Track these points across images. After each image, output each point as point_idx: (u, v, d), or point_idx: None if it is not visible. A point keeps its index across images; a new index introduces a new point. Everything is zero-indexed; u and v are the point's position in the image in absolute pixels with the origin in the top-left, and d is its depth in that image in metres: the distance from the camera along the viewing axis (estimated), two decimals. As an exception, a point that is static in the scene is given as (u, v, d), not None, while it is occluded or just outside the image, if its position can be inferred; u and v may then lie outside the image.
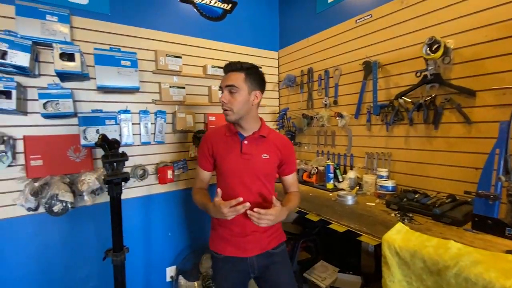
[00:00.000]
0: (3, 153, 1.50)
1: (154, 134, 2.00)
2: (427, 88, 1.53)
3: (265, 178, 1.20)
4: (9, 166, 1.53)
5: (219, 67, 2.22)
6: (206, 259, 2.13)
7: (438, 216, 1.27)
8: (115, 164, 0.97)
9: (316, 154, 2.36)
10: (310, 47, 2.37)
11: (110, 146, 0.96)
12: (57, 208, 1.55)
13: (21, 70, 1.48)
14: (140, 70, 1.86)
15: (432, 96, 1.50)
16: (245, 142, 1.17)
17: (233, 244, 1.21)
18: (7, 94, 1.42)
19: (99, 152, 1.81)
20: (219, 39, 2.33)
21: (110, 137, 1.70)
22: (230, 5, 2.38)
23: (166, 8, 2.07)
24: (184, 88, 2.07)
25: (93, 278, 1.85)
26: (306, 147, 2.45)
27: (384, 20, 1.79)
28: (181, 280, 2.03)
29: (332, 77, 2.17)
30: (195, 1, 2.20)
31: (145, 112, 1.94)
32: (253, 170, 1.17)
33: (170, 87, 2.00)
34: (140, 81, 1.85)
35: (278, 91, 2.74)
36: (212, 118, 2.24)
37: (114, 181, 0.89)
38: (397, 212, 1.44)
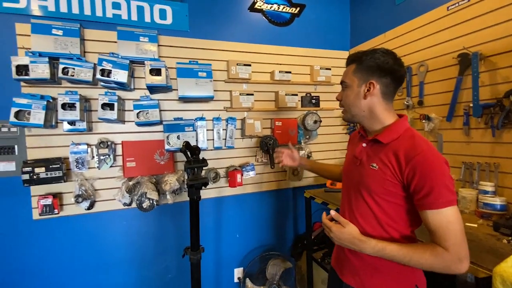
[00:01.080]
0: (107, 156, 1.79)
1: (225, 139, 2.10)
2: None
3: (369, 197, 0.90)
4: (111, 166, 1.82)
5: (286, 72, 2.21)
6: (273, 265, 2.11)
7: None
8: (196, 169, 1.05)
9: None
10: (387, 43, 2.14)
11: (192, 152, 1.04)
12: (145, 204, 1.76)
13: (120, 86, 1.75)
14: (214, 80, 1.99)
15: None
16: (363, 144, 0.96)
17: (336, 256, 1.06)
18: (111, 106, 1.70)
19: (179, 156, 2.00)
20: (287, 44, 2.31)
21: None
22: (298, 9, 2.35)
23: (236, 19, 2.17)
24: (252, 94, 2.12)
25: (171, 270, 2.05)
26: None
27: (486, 3, 1.47)
28: (248, 283, 2.06)
29: (415, 74, 1.91)
30: (264, 9, 2.24)
31: (217, 119, 2.07)
32: (358, 179, 0.95)
33: (240, 94, 2.08)
34: (214, 90, 1.97)
35: (349, 93, 2.56)
36: (279, 124, 2.23)
37: (195, 185, 0.96)
38: (510, 238, 1.16)
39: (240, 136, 2.18)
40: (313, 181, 2.44)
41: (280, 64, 2.28)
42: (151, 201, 1.76)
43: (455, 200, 0.77)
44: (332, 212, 0.94)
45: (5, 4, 1.61)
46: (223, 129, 2.10)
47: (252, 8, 2.21)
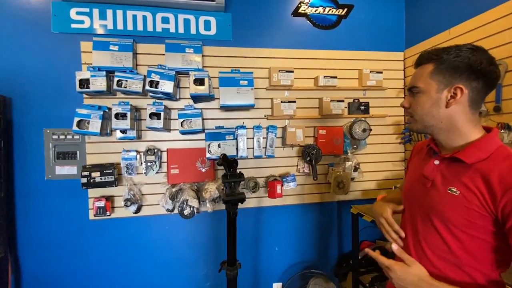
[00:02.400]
0: (154, 162, 1.88)
1: (265, 148, 2.04)
2: None
3: (444, 228, 0.73)
4: (157, 173, 1.90)
5: (331, 77, 2.07)
6: (314, 284, 1.97)
7: None
8: (233, 183, 1.01)
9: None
10: (453, 41, 1.86)
11: (229, 165, 1.01)
12: (186, 211, 1.79)
13: (167, 96, 1.83)
14: (255, 88, 1.96)
15: None
16: (436, 162, 0.79)
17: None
18: (158, 116, 1.78)
19: (219, 164, 2.01)
20: (332, 48, 2.18)
21: (228, 151, 1.86)
22: (345, 10, 2.20)
23: (279, 25, 2.12)
24: (294, 102, 2.03)
25: (210, 278, 2.05)
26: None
27: None
28: (287, 300, 1.95)
29: (490, 75, 1.61)
30: (308, 13, 2.15)
31: (258, 127, 2.02)
32: (429, 204, 0.77)
33: (281, 102, 2.01)
34: (255, 98, 1.94)
35: (404, 98, 2.29)
36: (323, 132, 2.09)
37: (231, 201, 0.91)
38: None
39: (280, 145, 2.10)
40: (361, 195, 2.23)
41: (325, 69, 2.15)
42: (191, 209, 1.79)
43: None
44: (395, 247, 0.78)
45: (73, 25, 1.82)
46: (263, 138, 2.05)
47: (296, 13, 2.14)
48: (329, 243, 2.26)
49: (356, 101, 2.16)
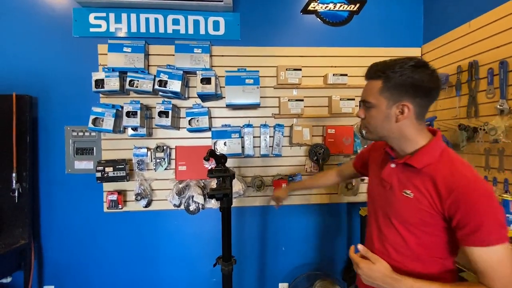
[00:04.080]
0: (163, 159, 1.95)
1: (272, 147, 2.04)
2: None
3: (402, 226, 0.80)
4: (165, 169, 1.97)
5: (341, 75, 2.02)
6: (320, 286, 1.92)
7: None
8: (222, 178, 1.02)
9: (481, 181, 1.66)
10: (473, 34, 1.73)
11: (217, 161, 1.02)
12: (192, 207, 1.84)
13: (175, 95, 1.89)
14: (262, 87, 1.97)
15: None
16: (392, 165, 0.85)
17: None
18: (166, 114, 1.84)
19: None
20: (343, 44, 2.12)
21: (233, 149, 1.88)
22: (357, 5, 2.13)
23: (288, 23, 2.10)
24: (302, 100, 2.00)
25: (216, 274, 2.08)
26: (463, 170, 1.78)
27: None
28: (292, 301, 1.93)
29: (513, 70, 1.48)
30: (318, 10, 2.12)
31: (265, 126, 2.02)
32: (388, 207, 0.85)
33: (288, 100, 1.99)
34: (262, 97, 1.95)
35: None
36: (331, 131, 2.04)
37: (216, 196, 0.93)
38: None
39: (288, 144, 2.08)
40: (372, 197, 2.13)
41: (335, 66, 2.10)
42: (197, 205, 1.83)
43: (506, 236, 0.68)
44: (360, 247, 0.84)
45: (92, 29, 1.94)
46: (270, 136, 2.04)
47: (305, 11, 2.11)
48: (337, 246, 2.20)
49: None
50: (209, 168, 1.94)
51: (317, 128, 2.07)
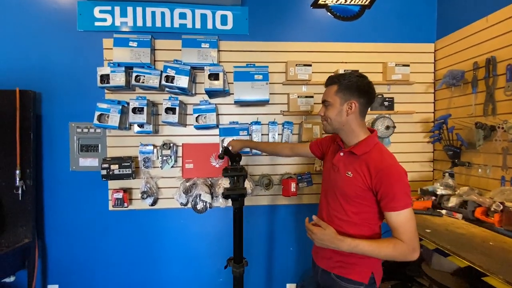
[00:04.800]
0: (169, 156, 1.90)
1: (281, 144, 1.99)
2: None
3: (344, 199, 1.07)
4: (172, 167, 1.92)
5: (353, 71, 1.95)
6: (329, 287, 1.88)
7: None
8: (235, 178, 0.97)
9: (500, 181, 1.61)
10: (491, 29, 1.67)
11: (232, 159, 0.96)
12: (199, 206, 1.80)
13: (182, 91, 1.84)
14: (271, 83, 1.92)
15: None
16: (341, 154, 1.11)
17: (315, 249, 1.22)
18: (173, 110, 1.79)
19: (233, 160, 1.99)
20: (354, 40, 2.06)
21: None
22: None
23: (297, 18, 2.04)
24: (312, 97, 1.95)
25: (223, 274, 2.04)
26: (480, 170, 1.73)
27: None
28: (300, 302, 1.89)
29: (536, 66, 1.42)
30: (328, 4, 2.06)
31: (273, 123, 1.97)
32: (335, 185, 1.11)
33: (298, 97, 1.94)
34: (270, 93, 1.90)
35: (434, 93, 2.12)
36: (342, 129, 1.98)
37: (232, 196, 0.87)
38: None
39: (297, 142, 2.03)
40: (383, 196, 2.08)
41: (346, 62, 2.05)
42: (204, 203, 1.79)
43: (411, 203, 0.96)
44: (314, 217, 1.06)
45: (97, 23, 1.89)
46: (278, 134, 1.99)
47: (315, 5, 2.05)
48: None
49: (379, 96, 2.03)
50: (217, 166, 1.90)
51: (327, 125, 2.01)
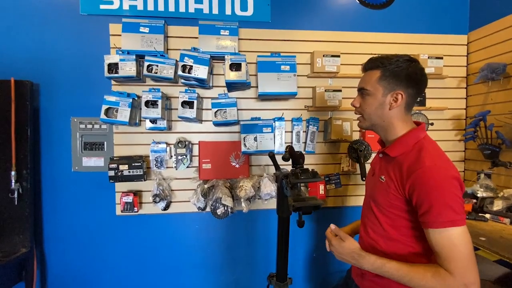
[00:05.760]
0: (184, 156, 1.72)
1: (305, 143, 1.83)
2: None
3: (377, 209, 0.89)
4: (187, 167, 1.74)
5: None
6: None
7: None
8: (299, 185, 0.78)
9: (551, 183, 1.49)
10: (540, 17, 1.54)
11: (295, 161, 0.78)
12: (220, 211, 1.62)
13: (200, 83, 1.66)
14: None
15: None
16: (380, 155, 0.95)
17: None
18: (190, 104, 1.61)
19: (254, 159, 1.82)
20: (383, 30, 1.91)
21: (265, 145, 1.66)
22: (399, -14, 1.91)
23: (322, 4, 1.88)
24: (340, 91, 1.79)
25: (241, 283, 1.87)
26: (524, 171, 1.61)
27: None
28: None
29: None
30: (356, -10, 1.90)
31: (297, 119, 1.81)
32: (370, 192, 0.96)
33: (325, 91, 1.78)
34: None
35: (466, 88, 1.98)
36: (372, 126, 1.83)
37: (303, 209, 0.69)
38: None
39: (322, 140, 1.87)
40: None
41: (375, 54, 1.89)
42: (225, 208, 1.61)
43: (460, 220, 0.72)
44: (332, 226, 0.91)
45: (102, 6, 1.69)
46: (303, 131, 1.83)
47: (341, -9, 1.89)
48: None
49: (410, 91, 1.88)
50: (237, 166, 1.72)
51: (354, 122, 1.86)
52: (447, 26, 1.98)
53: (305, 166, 0.83)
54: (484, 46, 1.87)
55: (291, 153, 0.73)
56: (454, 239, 0.71)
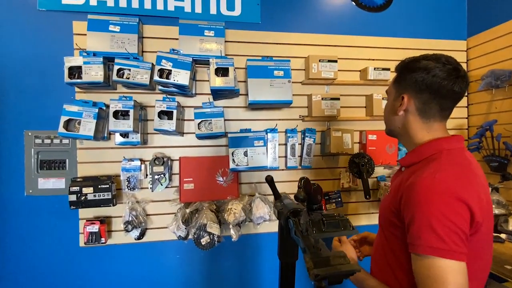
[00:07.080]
0: (162, 175, 1.47)
1: (301, 157, 1.63)
2: None
3: (380, 227, 0.80)
4: (166, 187, 1.49)
5: (383, 69, 1.67)
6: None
7: None
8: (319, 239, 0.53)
9: None
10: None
11: (313, 199, 0.54)
12: (204, 240, 1.37)
13: (180, 90, 1.43)
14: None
15: None
16: (402, 168, 0.84)
17: None
18: (169, 115, 1.38)
19: (244, 176, 1.60)
20: (381, 34, 1.78)
21: (256, 160, 1.45)
22: (396, -12, 1.80)
23: (317, 5, 1.72)
24: (338, 99, 1.63)
25: (231, 322, 1.62)
26: (538, 185, 1.48)
27: None
28: None
29: None
30: (351, -8, 1.76)
31: (292, 130, 1.61)
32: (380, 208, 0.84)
33: (322, 99, 1.60)
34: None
35: (467, 96, 1.88)
36: (373, 137, 1.67)
37: (331, 279, 0.46)
38: None
39: (319, 153, 1.69)
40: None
41: (373, 59, 1.75)
42: (211, 236, 1.37)
43: (446, 251, 0.56)
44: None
45: (64, 1, 1.44)
46: (298, 144, 1.64)
47: (336, -8, 1.75)
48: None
49: (411, 99, 1.75)
50: (225, 185, 1.50)
51: (354, 133, 1.69)
52: (445, 31, 1.88)
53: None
54: (485, 52, 1.77)
55: (306, 189, 0.51)
56: (435, 272, 0.57)
